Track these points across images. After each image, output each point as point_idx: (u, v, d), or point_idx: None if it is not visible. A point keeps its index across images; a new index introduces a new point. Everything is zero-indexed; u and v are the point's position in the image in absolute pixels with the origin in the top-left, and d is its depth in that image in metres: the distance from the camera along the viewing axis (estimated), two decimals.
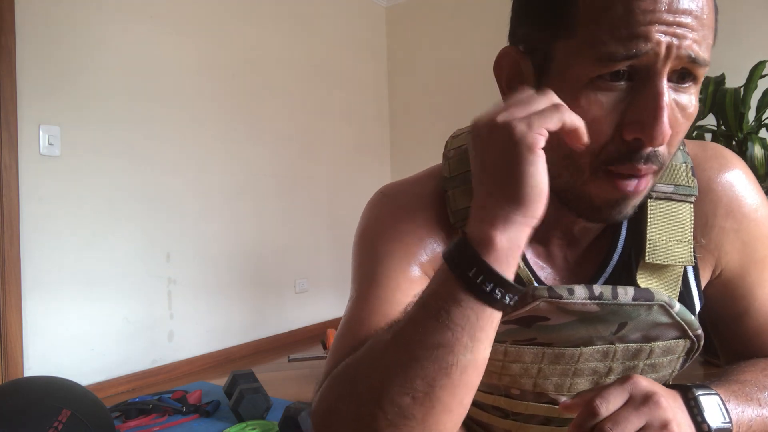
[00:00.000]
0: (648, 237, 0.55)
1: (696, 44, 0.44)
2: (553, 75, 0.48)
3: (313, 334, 3.27)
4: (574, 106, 0.46)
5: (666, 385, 0.48)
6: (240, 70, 2.94)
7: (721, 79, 2.44)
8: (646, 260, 0.55)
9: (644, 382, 0.45)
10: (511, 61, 0.53)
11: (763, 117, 2.39)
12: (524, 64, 0.52)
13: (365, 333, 0.52)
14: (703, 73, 0.46)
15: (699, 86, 0.48)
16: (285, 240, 3.18)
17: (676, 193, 0.56)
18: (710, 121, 2.55)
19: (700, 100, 2.44)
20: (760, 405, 0.51)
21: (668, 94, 0.45)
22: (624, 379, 0.45)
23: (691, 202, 0.56)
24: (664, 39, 0.43)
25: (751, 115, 2.39)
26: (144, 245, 2.47)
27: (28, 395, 1.44)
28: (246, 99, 2.97)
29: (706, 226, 0.57)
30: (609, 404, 0.43)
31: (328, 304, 3.43)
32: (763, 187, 2.31)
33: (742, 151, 2.27)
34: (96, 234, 2.30)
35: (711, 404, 0.46)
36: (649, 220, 0.56)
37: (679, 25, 0.43)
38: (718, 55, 3.05)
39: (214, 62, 2.79)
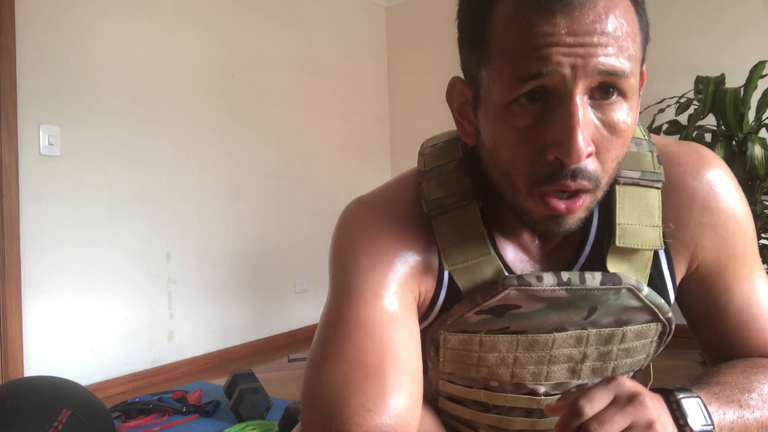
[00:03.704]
0: (617, 221, 0.56)
1: (610, 57, 0.44)
2: (482, 102, 0.51)
3: (313, 334, 3.26)
4: (497, 130, 0.48)
5: (649, 387, 0.49)
6: (240, 70, 2.94)
7: (721, 79, 2.44)
8: (616, 244, 0.55)
9: (629, 383, 0.45)
10: (458, 91, 0.56)
11: (763, 117, 2.39)
12: (467, 93, 0.54)
13: (330, 377, 0.55)
14: (628, 86, 0.46)
15: (632, 101, 0.47)
16: (285, 240, 3.18)
17: (642, 179, 0.56)
18: (710, 121, 2.55)
19: (700, 100, 2.43)
20: (740, 407, 0.51)
21: (585, 112, 0.45)
22: (609, 379, 0.45)
23: (658, 188, 0.56)
24: (566, 60, 0.43)
25: (751, 115, 2.39)
26: (144, 245, 2.47)
27: (28, 395, 1.44)
28: (246, 99, 2.97)
29: (681, 219, 0.57)
30: (594, 404, 0.43)
31: None
32: (763, 187, 2.28)
33: (742, 151, 2.27)
34: (96, 234, 2.30)
35: (693, 406, 0.47)
36: (617, 205, 0.56)
37: (583, 45, 0.43)
38: (718, 55, 3.05)
39: (214, 62, 2.79)
